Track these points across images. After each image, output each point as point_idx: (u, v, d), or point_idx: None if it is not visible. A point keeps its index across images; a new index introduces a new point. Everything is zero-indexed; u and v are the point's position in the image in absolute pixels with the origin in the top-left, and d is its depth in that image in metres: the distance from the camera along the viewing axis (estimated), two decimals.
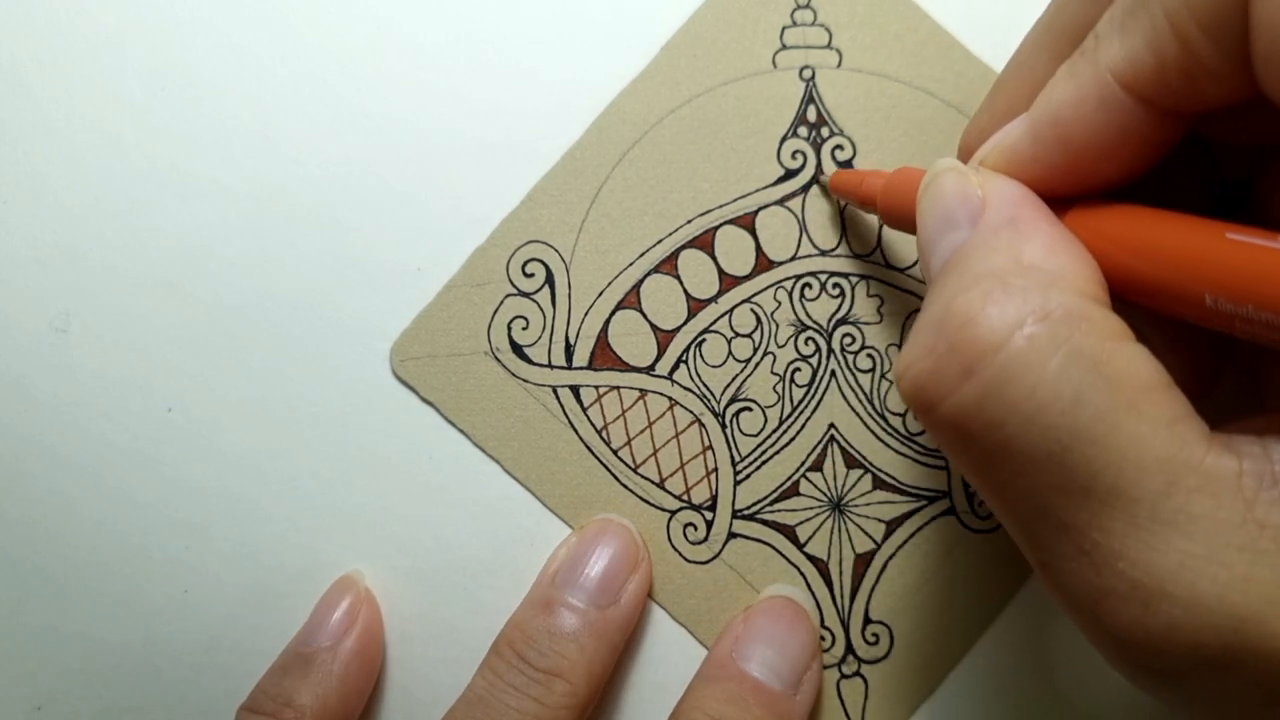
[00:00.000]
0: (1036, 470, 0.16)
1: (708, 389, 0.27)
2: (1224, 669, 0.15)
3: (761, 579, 0.27)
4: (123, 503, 0.27)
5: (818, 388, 0.28)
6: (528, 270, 0.27)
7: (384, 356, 0.27)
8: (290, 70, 0.28)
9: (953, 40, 0.28)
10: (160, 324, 0.27)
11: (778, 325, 0.28)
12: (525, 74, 0.28)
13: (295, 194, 0.27)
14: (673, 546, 0.27)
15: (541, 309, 0.27)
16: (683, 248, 0.28)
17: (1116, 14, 0.18)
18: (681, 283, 0.28)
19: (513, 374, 0.27)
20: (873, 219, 0.28)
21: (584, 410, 0.27)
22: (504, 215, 0.27)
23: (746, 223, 0.28)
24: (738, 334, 0.28)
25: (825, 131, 0.28)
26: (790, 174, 0.28)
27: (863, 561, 0.27)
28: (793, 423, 0.27)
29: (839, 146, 0.28)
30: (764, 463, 0.27)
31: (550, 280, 0.27)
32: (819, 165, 0.28)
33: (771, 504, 0.27)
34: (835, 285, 0.28)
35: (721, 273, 0.28)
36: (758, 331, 0.28)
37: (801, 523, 0.27)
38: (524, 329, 0.27)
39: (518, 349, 0.27)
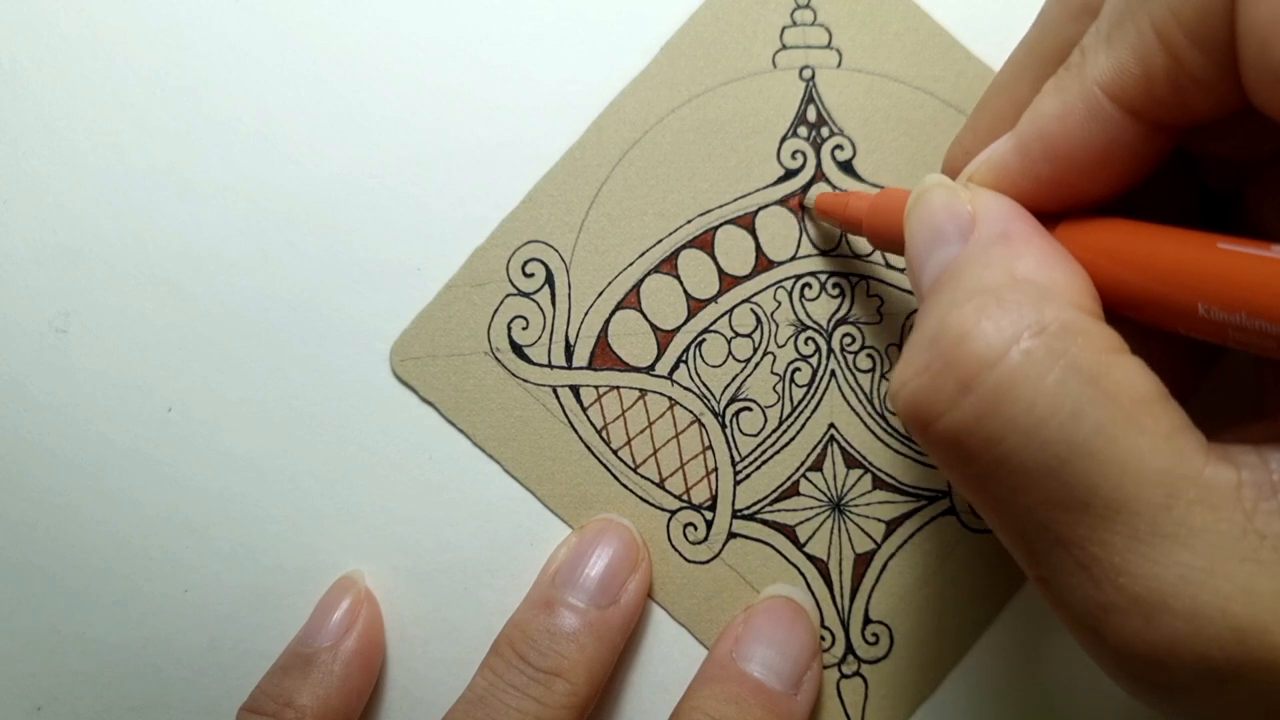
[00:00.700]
0: (1035, 485, 0.16)
1: (708, 389, 0.27)
2: (1227, 681, 0.15)
3: (761, 579, 0.27)
4: (123, 503, 0.27)
5: (818, 388, 0.28)
6: (528, 270, 0.27)
7: (384, 356, 0.27)
8: (290, 70, 0.28)
9: (952, 40, 0.28)
10: (160, 324, 0.27)
11: (778, 325, 0.28)
12: (525, 74, 0.28)
13: (295, 194, 0.27)
14: (673, 546, 0.27)
15: (541, 309, 0.27)
16: (683, 247, 0.28)
17: (1103, 27, 0.18)
18: (681, 283, 0.28)
19: (513, 374, 0.27)
20: None
21: (584, 410, 0.27)
22: (504, 215, 0.27)
23: (746, 223, 0.28)
24: (738, 334, 0.28)
25: (825, 131, 0.28)
26: (790, 174, 0.28)
27: (863, 561, 0.27)
28: (793, 423, 0.27)
29: (839, 146, 0.28)
30: (764, 463, 0.27)
31: (550, 280, 0.27)
32: (819, 165, 0.28)
33: (771, 504, 0.27)
34: (835, 285, 0.28)
35: (721, 273, 0.28)
36: (758, 331, 0.28)
37: (801, 523, 0.27)
38: (524, 329, 0.27)
39: (518, 349, 0.27)
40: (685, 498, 0.27)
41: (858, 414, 0.28)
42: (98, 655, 0.27)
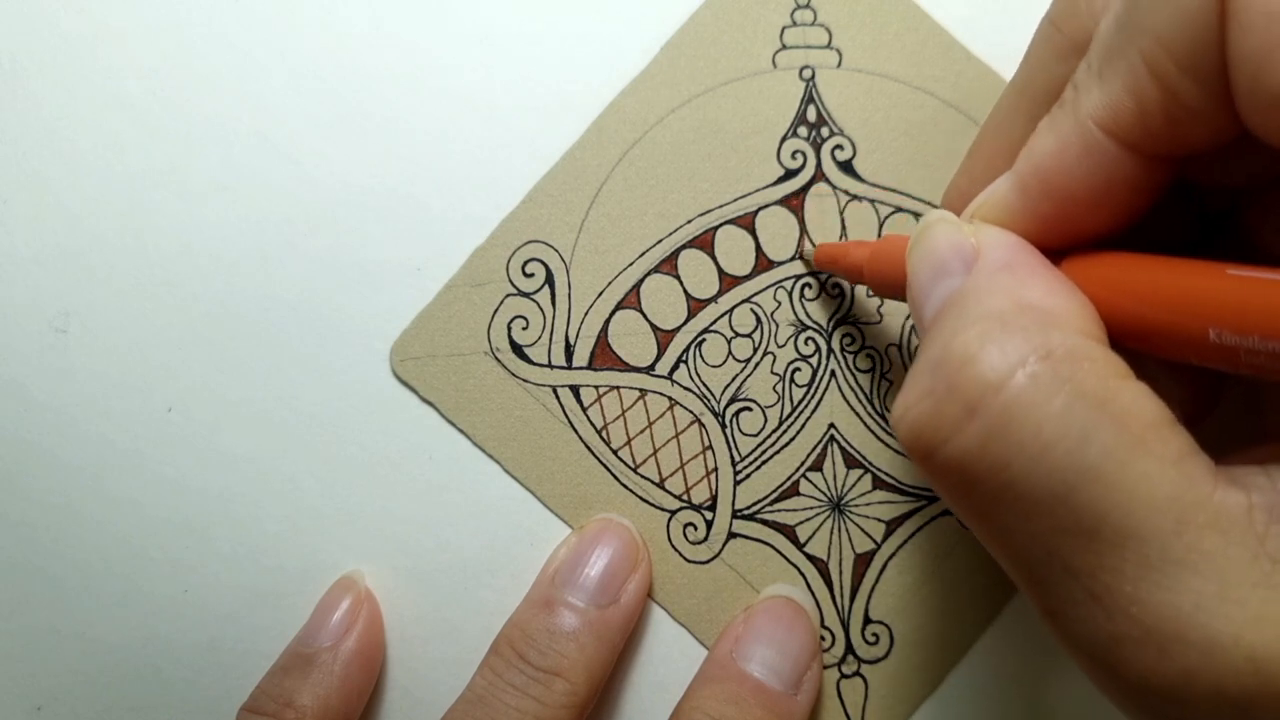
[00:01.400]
0: (1042, 513, 0.16)
1: (708, 389, 0.27)
2: (1243, 713, 0.15)
3: (761, 579, 0.27)
4: (123, 503, 0.27)
5: (818, 388, 0.28)
6: (528, 270, 0.27)
7: (384, 356, 0.27)
8: (290, 70, 0.28)
9: (952, 40, 0.28)
10: (160, 324, 0.27)
11: (778, 325, 0.28)
12: (525, 74, 0.28)
13: (295, 194, 0.27)
14: (673, 546, 0.27)
15: (541, 309, 0.27)
16: (683, 247, 0.28)
17: (1093, 62, 0.18)
18: (681, 283, 0.28)
19: (513, 374, 0.27)
20: (871, 217, 0.28)
21: (584, 410, 0.27)
22: (504, 215, 0.27)
23: (746, 223, 0.28)
24: (738, 334, 0.28)
25: (825, 131, 0.28)
26: (790, 174, 0.28)
27: (863, 561, 0.27)
28: (793, 422, 0.27)
29: (839, 146, 0.28)
30: (764, 462, 0.27)
31: (550, 280, 0.27)
32: (819, 165, 0.28)
33: (771, 504, 0.27)
34: (835, 285, 0.28)
35: (721, 273, 0.28)
36: (758, 331, 0.28)
37: (801, 522, 0.27)
38: (524, 329, 0.27)
39: (518, 349, 0.27)
40: (685, 498, 0.27)
41: (858, 414, 0.28)
42: (98, 655, 0.27)
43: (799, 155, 0.28)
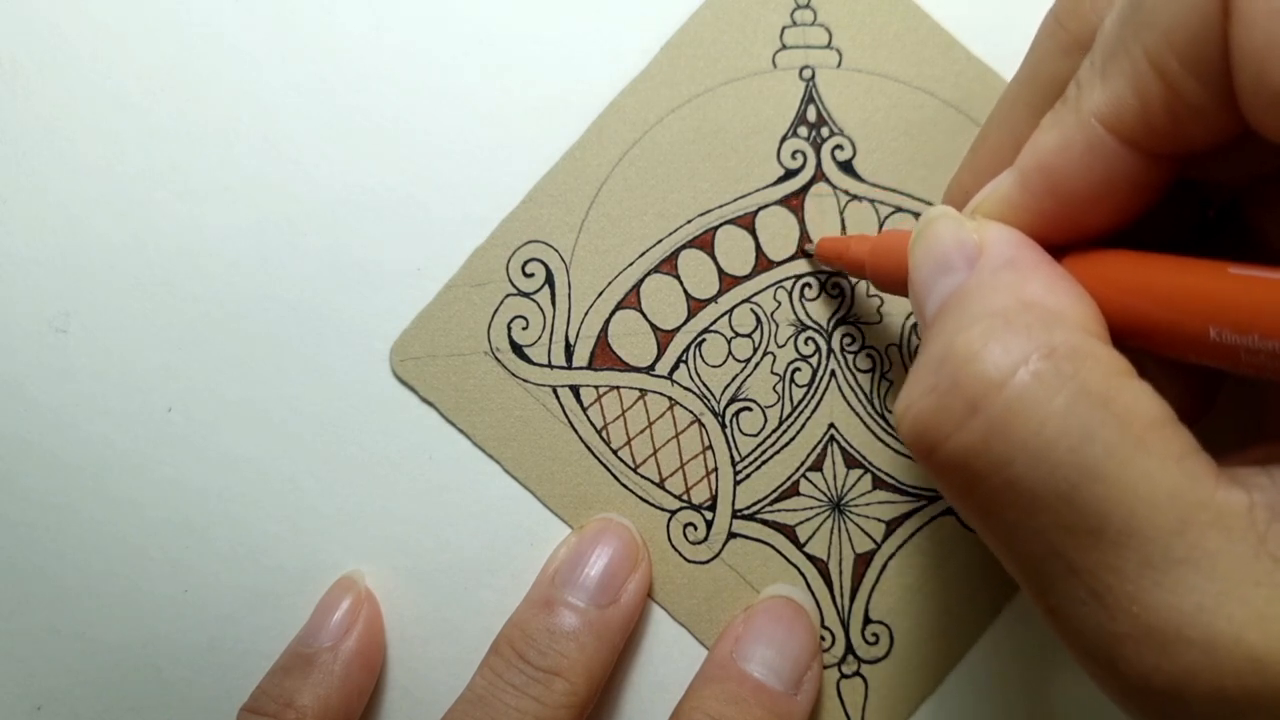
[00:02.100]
0: (1044, 510, 0.16)
1: (708, 389, 0.27)
2: (1243, 713, 0.15)
3: (761, 579, 0.27)
4: (122, 503, 0.27)
5: (818, 388, 0.28)
6: (528, 270, 0.27)
7: (384, 357, 0.27)
8: (291, 71, 0.28)
9: (952, 40, 0.28)
10: (160, 324, 0.27)
11: (778, 325, 0.28)
12: (525, 74, 0.28)
13: (295, 194, 0.27)
14: (673, 546, 0.27)
15: (541, 309, 0.27)
16: (683, 247, 0.28)
17: (1096, 60, 0.18)
18: (681, 283, 0.28)
19: (513, 374, 0.27)
20: (871, 217, 0.28)
21: (584, 410, 0.27)
22: (504, 215, 0.27)
23: (746, 223, 0.28)
24: (738, 334, 0.28)
25: (825, 131, 0.28)
26: (790, 174, 0.28)
27: (863, 561, 0.27)
28: (793, 422, 0.27)
29: (839, 146, 0.28)
30: (764, 463, 0.27)
31: (550, 280, 0.27)
32: (819, 165, 0.28)
33: (771, 504, 0.27)
34: (835, 285, 0.28)
35: (721, 272, 0.28)
36: (758, 331, 0.28)
37: (801, 522, 0.27)
38: (524, 329, 0.27)
39: (518, 349, 0.27)
40: (685, 498, 0.27)
41: (858, 414, 0.28)
42: (98, 655, 0.27)
43: (799, 155, 0.28)
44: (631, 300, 0.27)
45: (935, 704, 0.27)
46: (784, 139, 0.28)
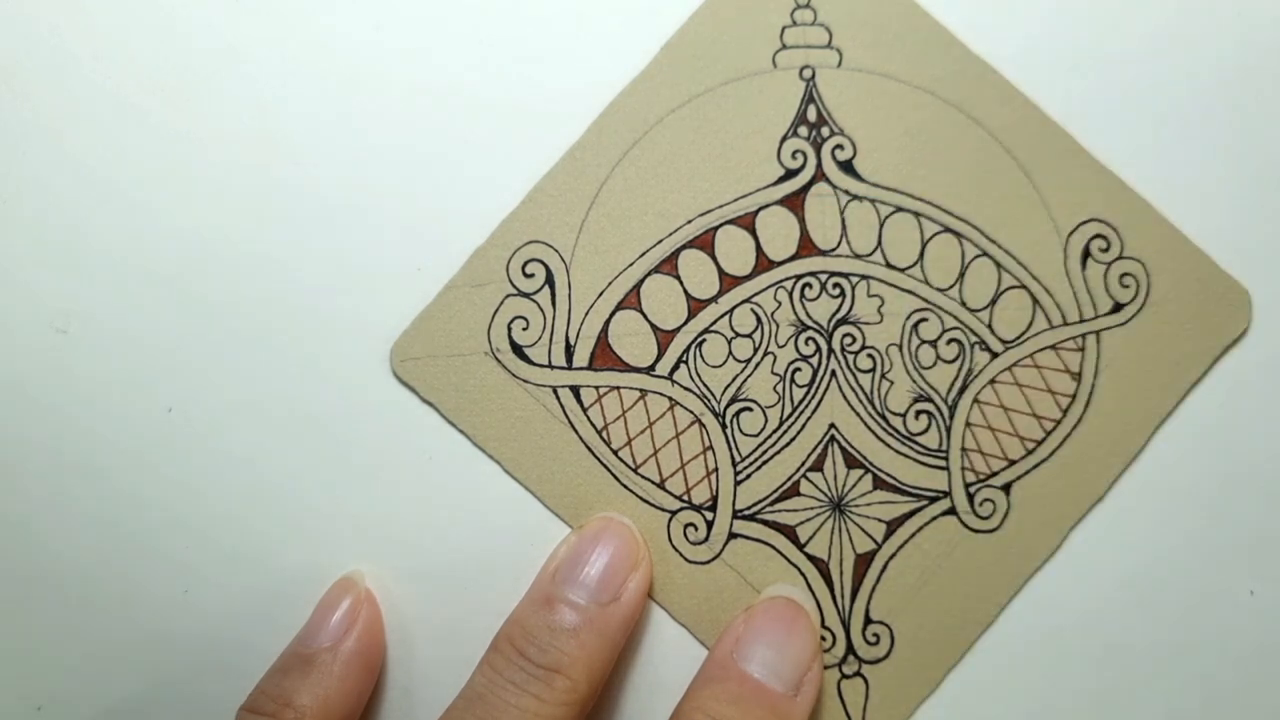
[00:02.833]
0: None
1: (708, 389, 0.27)
2: None
3: (762, 579, 0.27)
4: (123, 503, 0.27)
5: (818, 388, 0.28)
6: (528, 270, 0.27)
7: (384, 357, 0.27)
8: (290, 71, 0.28)
9: (953, 39, 0.28)
10: (160, 325, 0.27)
11: (778, 325, 0.28)
12: (525, 74, 0.28)
13: (295, 194, 0.27)
14: (673, 546, 0.27)
15: (541, 309, 0.27)
16: (683, 248, 0.28)
17: None
18: (681, 283, 0.28)
19: (513, 374, 0.27)
20: (872, 217, 0.28)
21: (584, 410, 0.27)
22: (504, 215, 0.27)
23: (747, 223, 0.28)
24: (738, 334, 0.28)
25: (825, 131, 0.28)
26: (790, 174, 0.28)
27: (863, 561, 0.27)
28: (793, 423, 0.27)
29: (839, 146, 0.28)
30: (764, 463, 0.27)
31: (550, 280, 0.27)
32: (819, 165, 0.28)
33: (772, 504, 0.27)
34: (835, 285, 0.28)
35: (722, 273, 0.28)
36: (758, 331, 0.28)
37: (802, 523, 0.27)
38: (524, 329, 0.27)
39: (518, 349, 0.27)
40: (686, 498, 0.27)
41: (858, 414, 0.28)
42: (98, 655, 0.27)
43: (799, 155, 0.28)
44: (632, 300, 0.27)
45: (936, 704, 0.27)
46: (784, 139, 0.28)
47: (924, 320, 0.28)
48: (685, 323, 0.28)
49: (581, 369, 0.27)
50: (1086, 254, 0.28)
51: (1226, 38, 0.29)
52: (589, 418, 0.27)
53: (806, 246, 0.28)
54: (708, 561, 0.27)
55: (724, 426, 0.27)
